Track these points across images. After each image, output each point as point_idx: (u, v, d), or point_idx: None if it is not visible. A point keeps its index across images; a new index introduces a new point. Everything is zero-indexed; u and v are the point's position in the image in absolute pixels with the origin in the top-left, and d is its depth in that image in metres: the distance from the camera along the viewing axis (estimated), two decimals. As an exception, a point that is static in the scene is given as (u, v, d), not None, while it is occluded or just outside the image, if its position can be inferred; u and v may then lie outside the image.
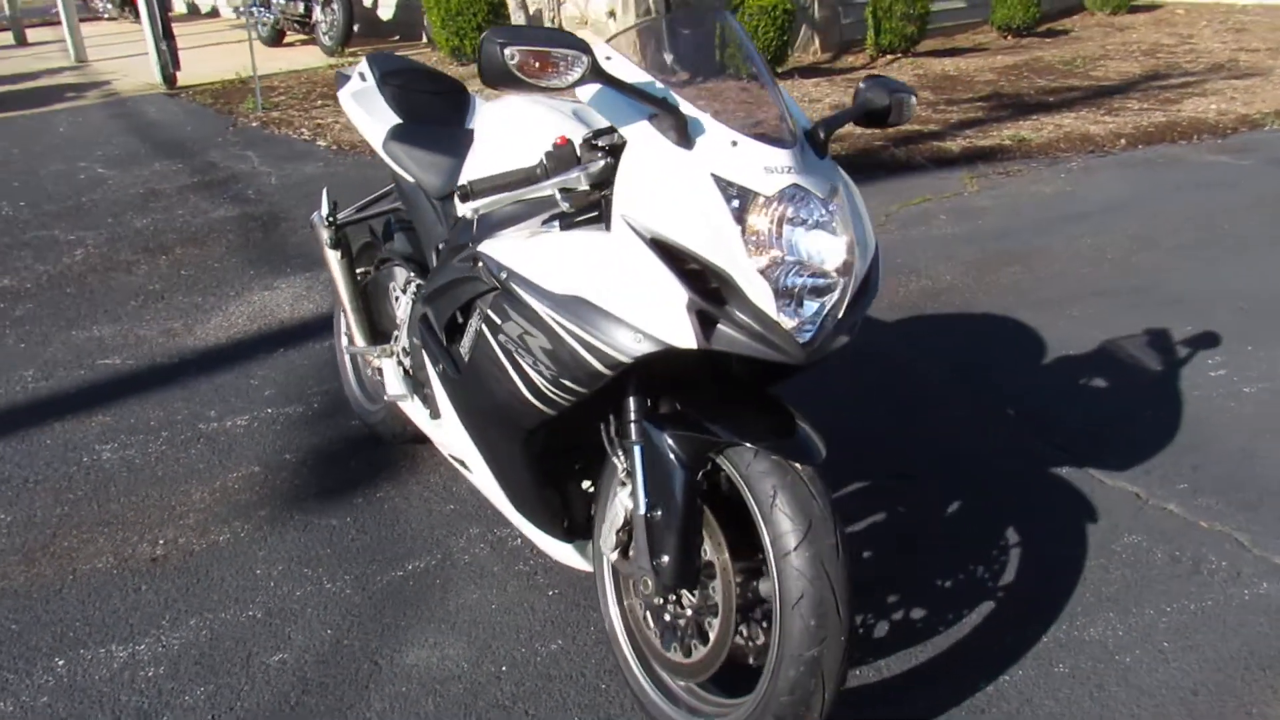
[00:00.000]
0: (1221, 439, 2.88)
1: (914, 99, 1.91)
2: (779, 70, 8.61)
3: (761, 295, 1.53)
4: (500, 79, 1.49)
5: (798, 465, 1.61)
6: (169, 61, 8.75)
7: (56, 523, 2.66)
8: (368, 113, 2.66)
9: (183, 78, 9.03)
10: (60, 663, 2.15)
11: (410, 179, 2.47)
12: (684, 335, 1.55)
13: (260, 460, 2.93)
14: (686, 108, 1.62)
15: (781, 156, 1.58)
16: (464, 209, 1.81)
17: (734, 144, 1.58)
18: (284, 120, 7.42)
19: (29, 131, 7.64)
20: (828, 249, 1.59)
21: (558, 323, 1.66)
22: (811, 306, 1.59)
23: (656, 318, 1.56)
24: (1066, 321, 3.70)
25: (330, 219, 2.70)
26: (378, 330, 2.75)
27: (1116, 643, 2.12)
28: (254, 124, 7.46)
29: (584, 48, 1.50)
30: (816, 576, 1.55)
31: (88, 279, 4.48)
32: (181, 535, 2.59)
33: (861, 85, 1.87)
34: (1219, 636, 2.13)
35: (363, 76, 2.77)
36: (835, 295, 1.60)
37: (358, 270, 2.83)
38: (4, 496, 2.78)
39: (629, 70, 1.68)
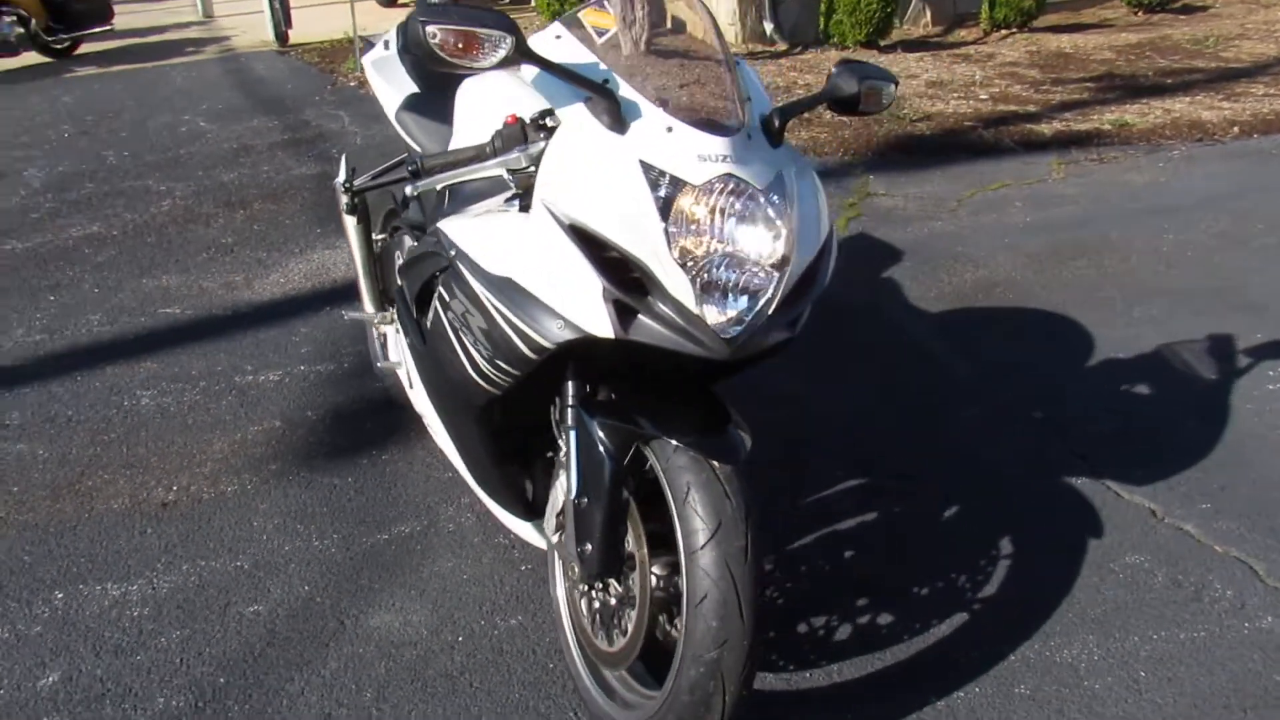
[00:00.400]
0: (1261, 459, 2.69)
1: (893, 87, 1.82)
2: (882, 43, 8.35)
3: (681, 288, 1.50)
4: (427, 59, 1.48)
5: (715, 464, 1.58)
6: (281, 20, 9.04)
7: (87, 462, 2.82)
8: (386, 81, 2.70)
9: (295, 35, 9.32)
10: (59, 596, 2.29)
11: (417, 149, 2.50)
12: (602, 324, 1.53)
13: (283, 415, 3.04)
14: (626, 90, 1.58)
15: (717, 144, 1.53)
16: (409, 187, 1.83)
17: (669, 130, 1.54)
18: (380, 81, 7.59)
19: (147, 84, 8.03)
20: (759, 242, 1.53)
21: (492, 304, 1.67)
22: (739, 302, 1.54)
23: (576, 305, 1.55)
24: (1125, 323, 3.50)
25: (347, 185, 2.75)
26: (387, 297, 2.80)
27: (1089, 667, 2.02)
28: (352, 84, 7.66)
29: (509, 28, 1.48)
30: (721, 578, 1.52)
31: (168, 229, 4.70)
32: (194, 483, 2.71)
33: (834, 70, 1.80)
34: (1204, 670, 2.01)
35: (386, 45, 2.80)
36: (768, 291, 1.54)
37: (378, 237, 2.89)
38: (46, 434, 2.96)
39: (574, 50, 1.66)
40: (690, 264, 1.50)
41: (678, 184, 1.51)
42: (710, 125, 1.56)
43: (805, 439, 2.84)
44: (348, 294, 3.91)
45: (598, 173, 1.54)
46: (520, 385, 1.77)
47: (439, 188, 2.55)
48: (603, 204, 1.52)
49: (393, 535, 2.48)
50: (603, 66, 1.63)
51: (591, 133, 1.57)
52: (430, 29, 1.45)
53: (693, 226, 1.51)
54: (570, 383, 1.74)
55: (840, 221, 4.52)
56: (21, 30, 8.40)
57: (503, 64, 1.51)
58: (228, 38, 9.95)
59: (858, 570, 2.32)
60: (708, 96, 1.65)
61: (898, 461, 2.72)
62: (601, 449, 1.66)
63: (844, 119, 6.08)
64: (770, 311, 1.55)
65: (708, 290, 1.51)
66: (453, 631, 2.16)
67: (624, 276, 1.53)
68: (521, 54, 1.50)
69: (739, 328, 1.54)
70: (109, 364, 3.40)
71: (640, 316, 1.53)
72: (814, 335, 3.38)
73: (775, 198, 1.56)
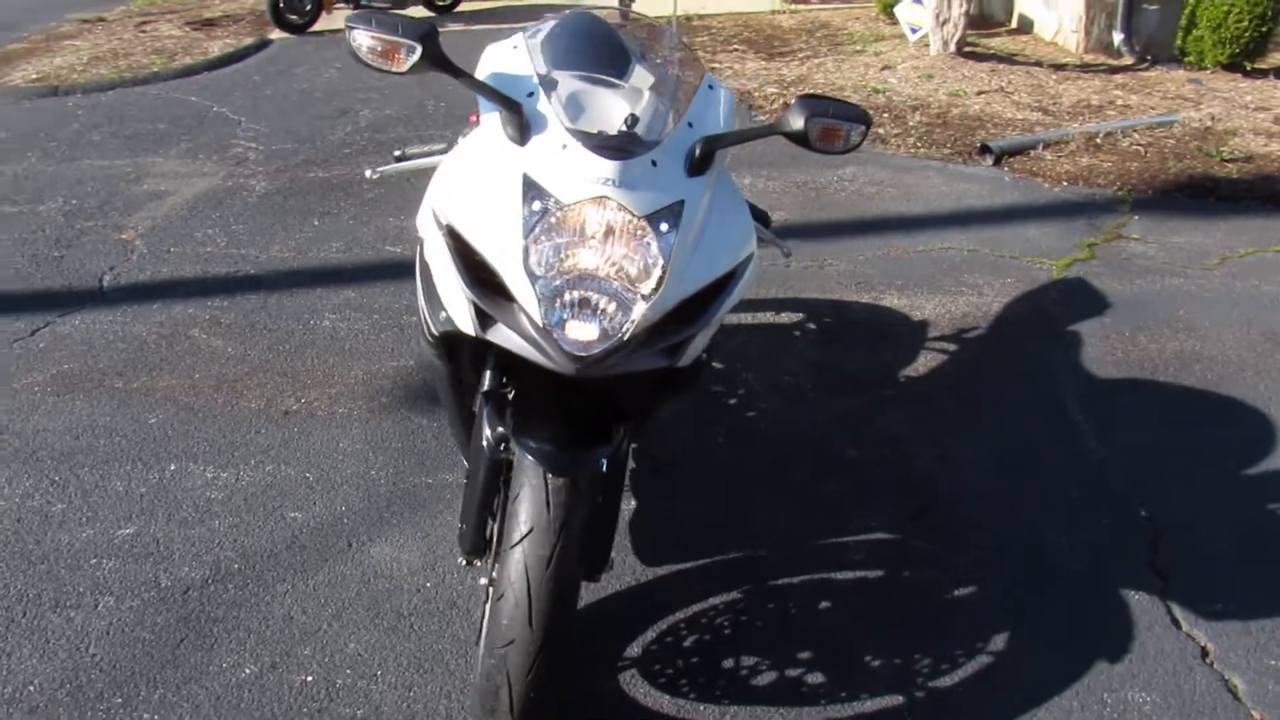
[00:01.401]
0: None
1: (861, 129, 1.72)
2: (1250, 67, 7.29)
3: (529, 300, 1.56)
4: (354, 60, 1.66)
5: (549, 474, 1.64)
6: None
7: (255, 365, 3.34)
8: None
9: (639, 7, 9.83)
10: (172, 469, 2.79)
11: None
12: (466, 323, 1.64)
13: (416, 356, 3.39)
14: (542, 105, 1.66)
15: (604, 167, 1.57)
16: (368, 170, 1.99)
17: (563, 147, 1.61)
18: (686, 60, 7.86)
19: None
20: (626, 266, 1.56)
21: (416, 288, 1.83)
22: (601, 322, 1.57)
23: (451, 301, 1.67)
24: (1335, 433, 2.94)
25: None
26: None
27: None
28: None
29: (420, 38, 1.61)
30: (518, 580, 1.59)
31: (432, 178, 5.29)
32: (319, 400, 3.13)
33: (791, 102, 1.73)
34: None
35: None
36: (628, 315, 1.56)
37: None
38: (243, 336, 3.54)
39: (515, 62, 1.75)
40: (547, 278, 1.56)
41: (549, 201, 1.57)
42: (608, 148, 1.59)
43: (867, 477, 2.73)
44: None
45: (483, 180, 1.64)
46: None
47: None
48: (476, 210, 1.62)
49: (435, 481, 2.72)
50: (534, 80, 1.71)
51: (491, 141, 1.66)
52: (352, 34, 1.62)
53: (557, 244, 1.57)
54: (488, 372, 1.85)
55: (1062, 262, 4.13)
56: (409, -13, 9.58)
57: (414, 70, 1.64)
58: (599, 7, 10.70)
59: (822, 622, 2.23)
60: (630, 116, 1.68)
61: (952, 524, 2.54)
62: (484, 437, 1.77)
63: (1138, 147, 5.46)
64: (625, 337, 1.57)
65: (561, 307, 1.56)
66: (427, 576, 2.37)
67: (494, 281, 1.62)
68: (430, 62, 1.63)
69: (594, 349, 1.57)
70: (320, 286, 3.95)
71: (500, 321, 1.61)
72: (958, 372, 3.20)
73: (660, 225, 1.57)
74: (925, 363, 3.34)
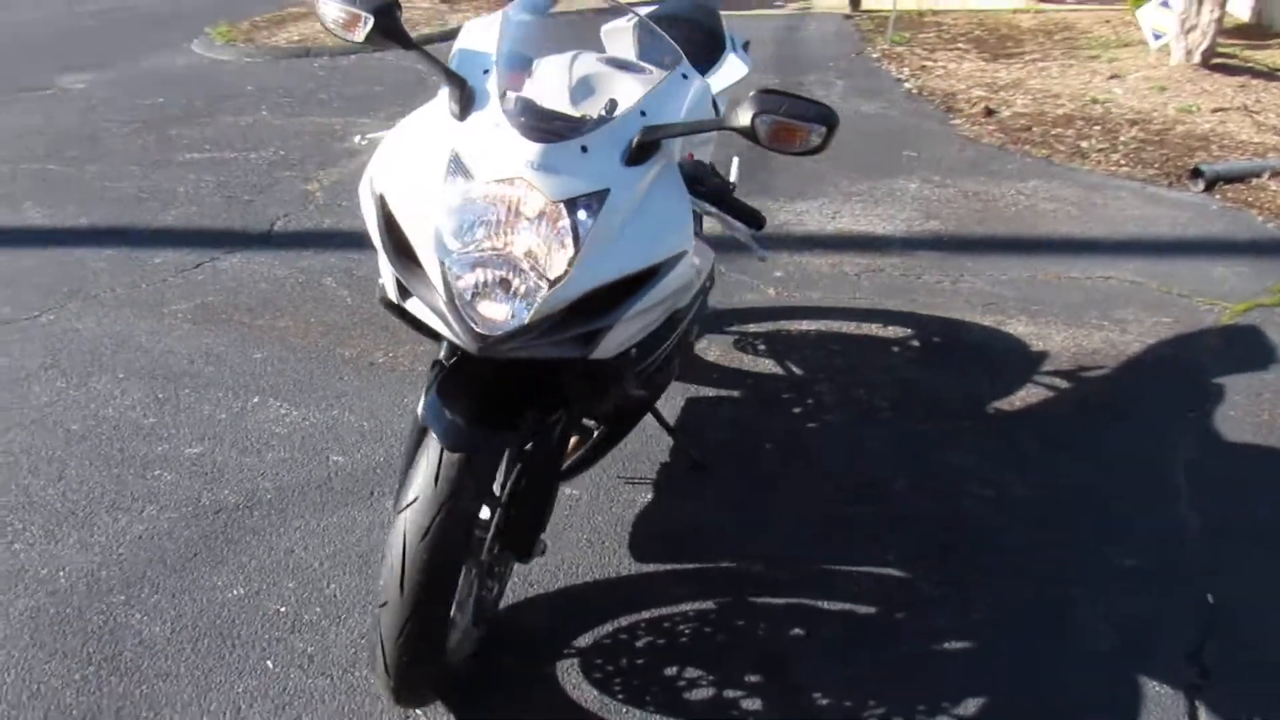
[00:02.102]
0: None
1: (822, 129, 1.59)
2: None
3: (436, 276, 1.58)
4: (326, 29, 1.74)
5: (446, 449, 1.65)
6: (858, -17, 9.32)
7: (366, 318, 3.56)
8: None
9: (871, 2, 9.54)
10: (254, 400, 3.04)
11: None
12: (392, 291, 1.69)
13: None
14: (490, 83, 1.67)
15: (527, 149, 1.56)
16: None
17: (495, 125, 1.61)
18: (900, 56, 7.55)
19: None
20: (533, 250, 1.54)
21: None
22: (511, 304, 1.57)
23: (383, 269, 1.72)
24: None
25: None
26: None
27: None
28: (874, 55, 7.72)
29: (375, 9, 1.66)
30: (396, 545, 1.62)
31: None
32: (405, 356, 3.30)
33: (750, 94, 1.63)
34: None
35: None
36: (534, 298, 1.55)
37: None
38: (364, 289, 3.78)
39: (480, 38, 1.76)
40: (458, 254, 1.56)
41: (469, 178, 1.58)
42: (538, 129, 1.58)
43: (903, 508, 2.55)
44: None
45: (416, 152, 1.67)
46: None
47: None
48: (403, 182, 1.65)
49: (473, 446, 2.80)
50: (493, 57, 1.72)
51: (435, 115, 1.69)
52: (321, 5, 1.70)
53: (470, 221, 1.57)
54: (444, 342, 1.89)
55: (1239, 306, 3.65)
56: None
57: (370, 40, 1.69)
58: (819, -3, 10.50)
59: (787, 648, 2.12)
60: (576, 102, 1.65)
61: (975, 573, 2.34)
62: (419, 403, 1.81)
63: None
64: (527, 320, 1.55)
65: (475, 285, 1.57)
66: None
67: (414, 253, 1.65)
68: (383, 33, 1.67)
69: (503, 329, 1.57)
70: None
71: (415, 293, 1.64)
72: (1055, 412, 2.92)
73: (579, 212, 1.54)
74: (1023, 397, 3.06)
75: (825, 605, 2.24)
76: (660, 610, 2.20)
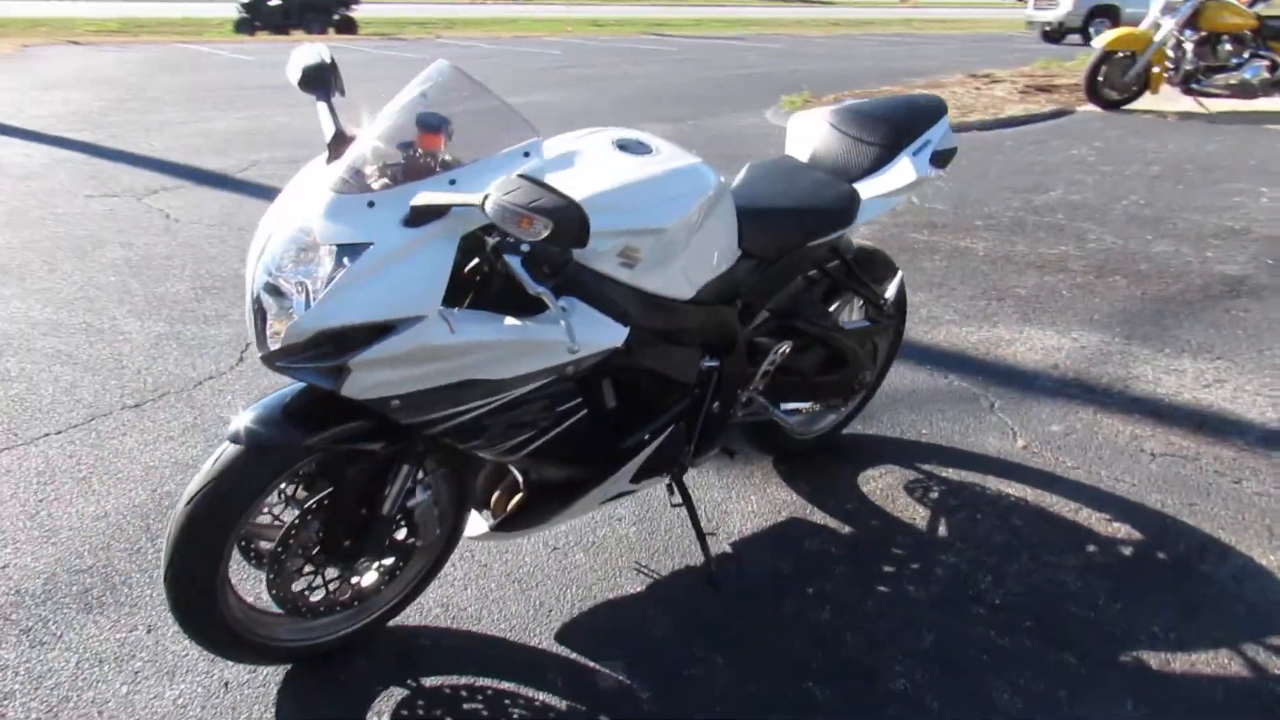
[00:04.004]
0: None
1: (540, 221, 1.49)
2: None
3: (247, 290, 1.79)
4: None
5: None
6: None
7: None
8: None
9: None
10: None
11: None
12: None
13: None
14: (354, 143, 1.81)
15: (323, 196, 1.70)
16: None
17: (321, 171, 1.79)
18: None
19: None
20: (303, 282, 1.68)
21: None
22: (285, 322, 1.73)
23: None
24: None
25: None
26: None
27: None
28: None
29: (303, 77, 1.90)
30: (178, 504, 1.85)
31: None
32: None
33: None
34: None
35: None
36: (284, 325, 1.69)
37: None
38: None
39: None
40: (254, 276, 1.76)
41: (281, 210, 1.77)
42: (345, 181, 1.71)
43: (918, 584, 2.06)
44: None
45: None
46: None
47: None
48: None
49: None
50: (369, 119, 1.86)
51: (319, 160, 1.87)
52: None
53: (267, 247, 1.75)
54: None
55: None
56: (1266, 75, 8.32)
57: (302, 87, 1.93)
58: None
59: (634, 695, 1.89)
60: (385, 165, 1.74)
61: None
62: None
63: None
64: (274, 346, 1.69)
65: (252, 303, 1.75)
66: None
67: None
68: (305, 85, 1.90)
69: (274, 346, 1.73)
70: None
71: None
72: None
73: (344, 258, 1.66)
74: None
75: (717, 659, 1.93)
76: (523, 688, 2.09)
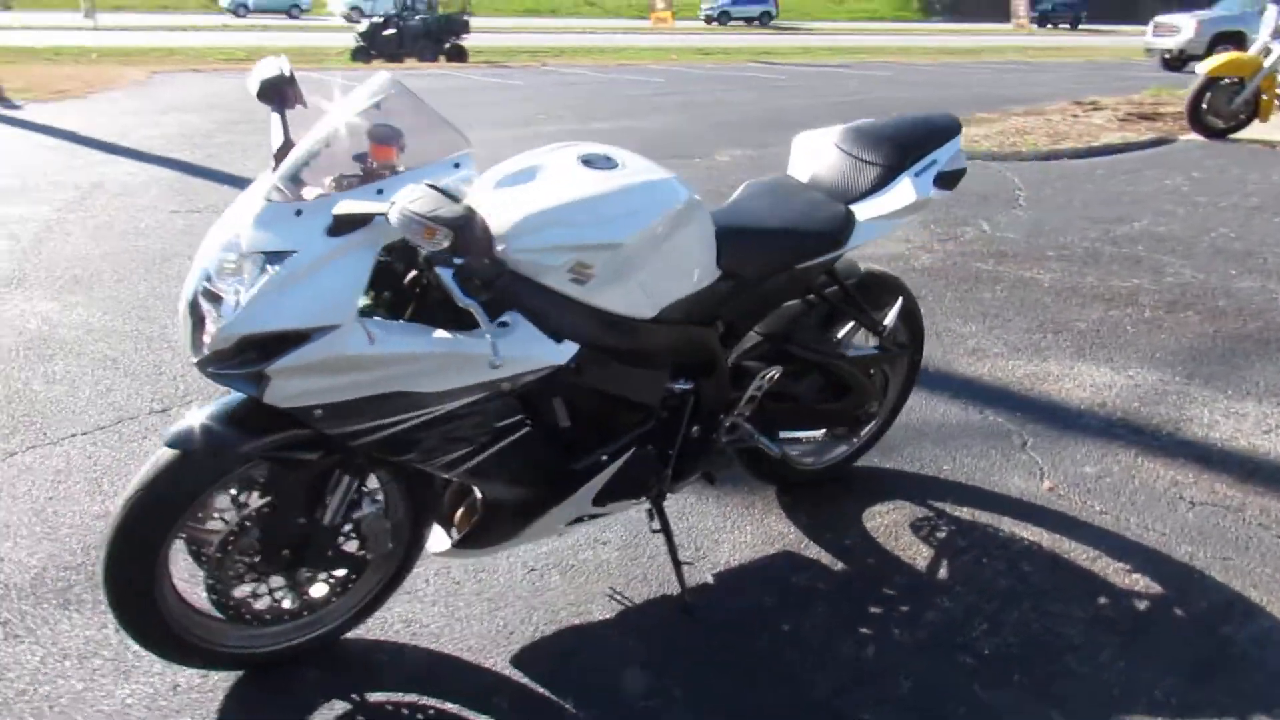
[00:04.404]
0: None
1: (441, 232, 1.48)
2: None
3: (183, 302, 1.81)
4: None
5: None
6: None
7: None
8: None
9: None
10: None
11: None
12: None
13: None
14: (290, 152, 1.83)
15: (255, 206, 1.73)
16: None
17: (260, 182, 1.81)
18: None
19: None
20: (225, 288, 1.70)
21: None
22: (207, 331, 1.75)
23: None
24: None
25: None
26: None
27: None
28: None
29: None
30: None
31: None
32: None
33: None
34: None
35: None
36: (209, 330, 1.72)
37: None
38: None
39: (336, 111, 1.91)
40: (191, 281, 1.78)
41: (221, 220, 1.80)
42: (275, 191, 1.74)
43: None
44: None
45: None
46: None
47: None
48: None
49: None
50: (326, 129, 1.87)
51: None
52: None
53: (204, 253, 1.78)
54: None
55: None
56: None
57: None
58: None
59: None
60: (322, 175, 1.75)
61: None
62: None
63: None
64: (204, 351, 1.71)
65: (185, 308, 1.77)
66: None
67: None
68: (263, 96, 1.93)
69: (204, 352, 1.75)
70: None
71: None
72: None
73: (268, 265, 1.67)
74: None
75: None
76: (466, 710, 2.05)
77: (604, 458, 2.09)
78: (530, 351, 1.82)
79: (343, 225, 1.65)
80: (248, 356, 1.68)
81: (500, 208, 1.89)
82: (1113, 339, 4.12)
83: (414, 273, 1.81)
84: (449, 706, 2.04)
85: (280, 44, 25.64)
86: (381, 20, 22.29)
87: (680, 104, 12.93)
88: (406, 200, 1.50)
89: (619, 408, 2.09)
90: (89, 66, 17.19)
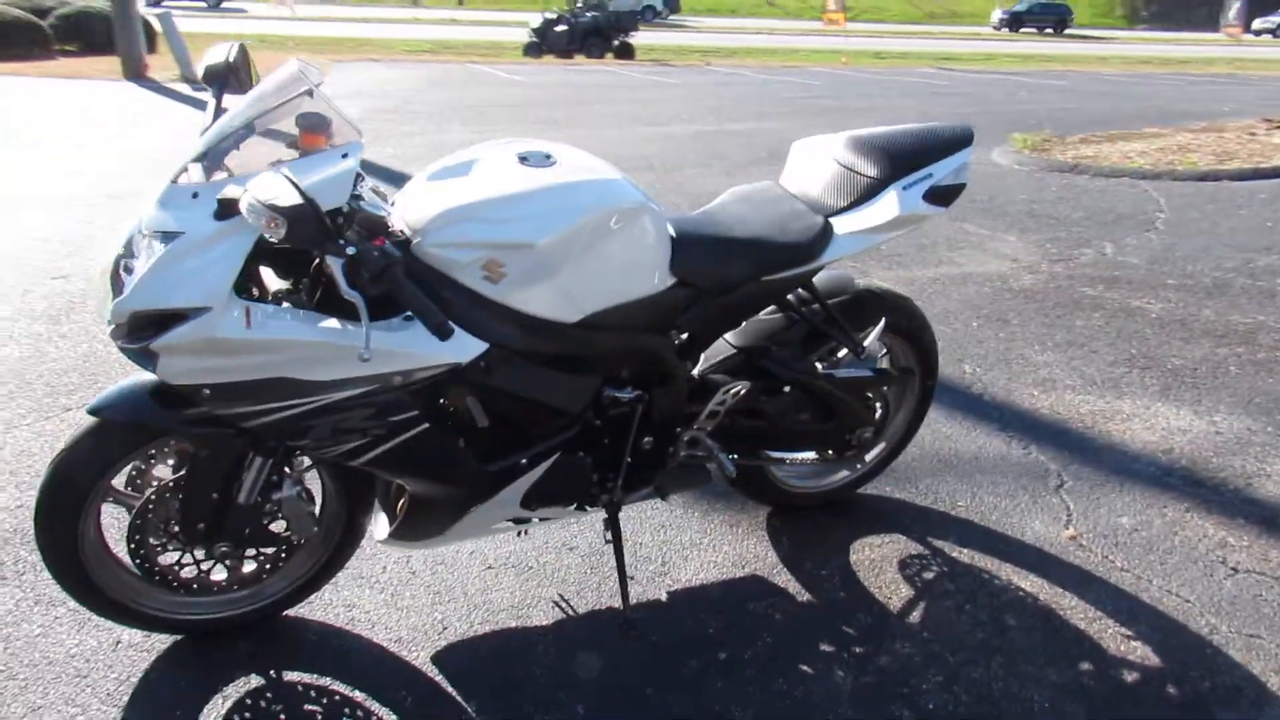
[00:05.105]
0: None
1: (277, 220, 1.49)
2: None
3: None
4: None
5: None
6: None
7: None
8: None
9: None
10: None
11: None
12: None
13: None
14: (206, 135, 1.87)
15: (162, 185, 1.79)
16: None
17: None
18: None
19: None
20: (127, 261, 1.77)
21: None
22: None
23: None
24: None
25: None
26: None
27: None
28: None
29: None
30: None
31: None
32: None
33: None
34: None
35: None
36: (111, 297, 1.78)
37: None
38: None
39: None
40: (112, 256, 1.86)
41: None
42: (180, 173, 1.79)
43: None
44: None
45: None
46: None
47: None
48: None
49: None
50: (242, 108, 1.90)
51: None
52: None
53: (126, 233, 1.85)
54: None
55: None
56: None
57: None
58: None
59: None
60: (242, 164, 1.79)
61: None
62: None
63: None
64: (109, 324, 1.79)
65: (104, 281, 1.85)
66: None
67: None
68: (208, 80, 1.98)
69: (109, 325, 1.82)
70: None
71: None
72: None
73: (153, 242, 1.74)
74: None
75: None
76: (371, 701, 2.06)
77: (523, 461, 2.04)
78: (421, 348, 1.80)
79: (226, 210, 1.67)
80: (145, 333, 1.72)
81: (422, 201, 1.88)
82: (1208, 380, 3.74)
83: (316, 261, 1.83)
84: (355, 695, 2.05)
85: (467, 38, 26.65)
86: (555, 16, 22.84)
87: (822, 109, 12.63)
88: (256, 188, 1.51)
89: (537, 412, 2.04)
90: (279, 54, 18.42)
